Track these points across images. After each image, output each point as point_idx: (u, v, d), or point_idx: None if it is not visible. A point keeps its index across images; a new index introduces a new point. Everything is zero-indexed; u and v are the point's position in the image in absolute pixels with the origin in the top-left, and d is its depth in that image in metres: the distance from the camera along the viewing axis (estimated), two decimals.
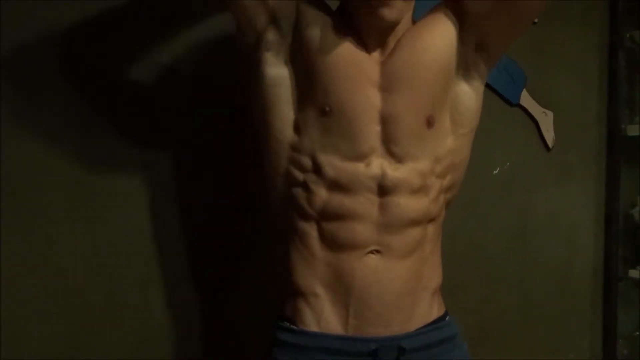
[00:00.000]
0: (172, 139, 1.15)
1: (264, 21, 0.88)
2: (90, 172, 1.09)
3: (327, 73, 0.87)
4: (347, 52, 0.88)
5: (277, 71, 0.89)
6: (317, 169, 0.88)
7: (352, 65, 0.88)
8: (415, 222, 0.89)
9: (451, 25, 0.91)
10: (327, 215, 0.88)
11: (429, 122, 0.90)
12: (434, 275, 0.94)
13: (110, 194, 1.11)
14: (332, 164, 0.87)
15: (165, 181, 1.14)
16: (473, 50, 0.92)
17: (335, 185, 0.87)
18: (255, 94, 0.92)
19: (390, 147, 0.88)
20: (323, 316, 0.88)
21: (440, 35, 0.91)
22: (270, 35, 0.89)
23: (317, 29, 0.88)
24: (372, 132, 0.87)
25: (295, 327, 0.89)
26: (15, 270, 1.04)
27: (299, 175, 0.89)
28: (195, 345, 1.16)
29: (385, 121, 0.88)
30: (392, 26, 0.88)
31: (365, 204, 0.87)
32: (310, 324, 0.88)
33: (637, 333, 1.60)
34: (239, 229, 1.18)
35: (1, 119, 1.03)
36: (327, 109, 0.86)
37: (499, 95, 1.41)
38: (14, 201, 1.04)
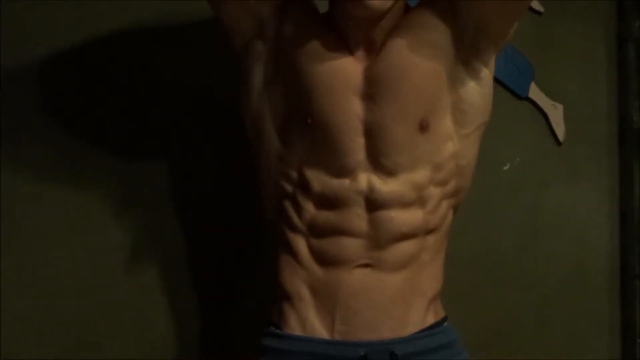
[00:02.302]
0: (167, 148, 1.14)
1: (251, 31, 0.86)
2: (86, 181, 1.09)
3: (308, 83, 0.83)
4: (328, 58, 0.83)
5: (263, 82, 0.87)
6: (304, 184, 0.85)
7: (333, 73, 0.83)
8: (409, 236, 0.85)
9: (444, 15, 0.84)
10: (315, 231, 0.86)
11: (422, 127, 0.83)
12: (432, 282, 0.89)
13: (105, 203, 1.10)
14: (318, 179, 0.84)
15: (160, 189, 1.13)
16: (471, 37, 0.85)
17: (323, 201, 0.84)
18: (245, 104, 0.90)
19: (379, 159, 0.83)
20: (308, 321, 0.85)
21: (431, 29, 0.84)
22: (258, 46, 0.87)
23: (298, 36, 0.84)
24: (356, 145, 0.83)
25: (280, 332, 0.86)
26: (12, 282, 1.04)
27: (288, 187, 0.87)
28: (194, 353, 1.15)
29: (371, 133, 0.83)
30: (378, 17, 0.81)
31: (353, 219, 0.84)
32: (295, 328, 0.85)
33: None
34: (236, 235, 1.16)
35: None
36: (309, 120, 0.83)
37: (507, 88, 1.38)
38: (10, 213, 1.04)
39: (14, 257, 1.04)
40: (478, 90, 0.87)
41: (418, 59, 0.82)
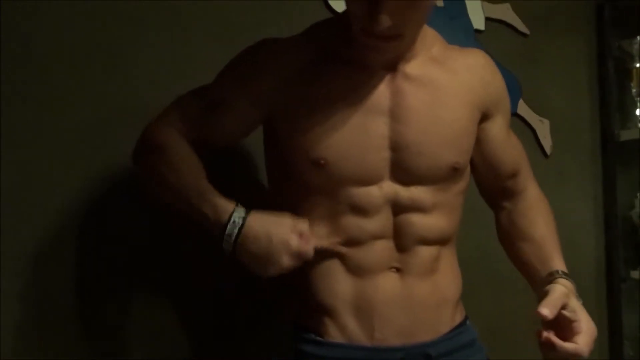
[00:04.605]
0: None
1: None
2: (91, 182, 1.10)
3: (323, 126, 0.85)
4: (344, 96, 0.85)
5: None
6: (333, 195, 0.87)
7: (354, 111, 0.85)
8: (428, 240, 0.90)
9: (472, 86, 0.92)
10: (348, 241, 0.87)
11: (455, 168, 0.89)
12: (455, 287, 0.95)
13: (113, 201, 1.11)
14: (348, 191, 0.86)
15: None
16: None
17: (353, 209, 0.87)
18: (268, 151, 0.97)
19: (402, 170, 0.87)
20: (347, 329, 0.88)
21: (459, 82, 0.91)
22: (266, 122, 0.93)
23: (304, 91, 0.86)
24: (381, 159, 0.87)
25: (320, 339, 0.88)
26: (12, 282, 1.04)
27: (316, 200, 0.88)
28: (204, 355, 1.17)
29: (396, 147, 0.87)
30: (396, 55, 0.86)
31: (383, 224, 0.87)
32: (336, 336, 0.88)
33: None
34: None
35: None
36: (322, 162, 0.85)
37: None
38: (11, 213, 1.05)
39: (15, 256, 1.04)
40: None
41: (449, 101, 0.89)
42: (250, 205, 0.87)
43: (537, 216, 1.01)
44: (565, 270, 0.93)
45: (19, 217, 1.06)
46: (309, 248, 0.84)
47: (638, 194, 1.60)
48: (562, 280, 0.90)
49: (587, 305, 1.55)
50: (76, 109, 1.11)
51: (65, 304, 1.08)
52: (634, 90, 1.59)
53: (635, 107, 1.60)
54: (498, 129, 0.96)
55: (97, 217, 1.11)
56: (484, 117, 0.94)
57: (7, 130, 1.05)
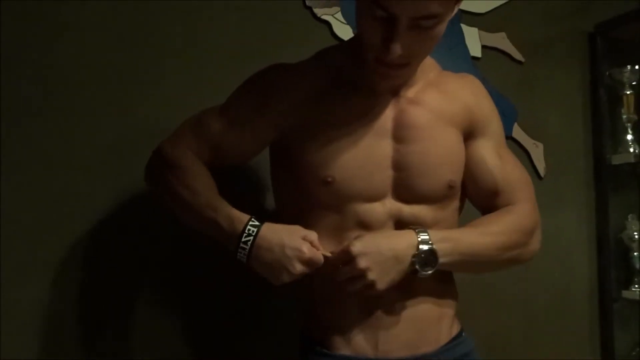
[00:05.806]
0: None
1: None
2: (95, 183, 1.15)
3: (333, 147, 0.89)
4: (352, 118, 0.90)
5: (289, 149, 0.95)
6: (339, 211, 0.91)
7: (361, 132, 0.89)
8: None
9: (463, 109, 0.97)
10: None
11: (450, 186, 0.93)
12: (452, 300, 0.99)
13: (128, 209, 1.16)
14: (353, 206, 0.90)
15: None
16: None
17: (358, 224, 0.90)
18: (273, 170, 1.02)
19: (404, 187, 0.91)
20: (353, 341, 0.91)
21: (452, 106, 0.96)
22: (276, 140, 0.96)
23: (315, 111, 0.90)
24: (385, 178, 0.91)
25: (328, 352, 0.91)
26: (13, 282, 1.08)
27: (323, 215, 0.92)
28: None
29: (399, 166, 0.91)
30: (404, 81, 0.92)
31: None
32: (341, 348, 0.91)
33: (635, 352, 1.64)
34: None
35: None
36: (330, 179, 0.89)
37: None
38: (12, 213, 1.08)
39: (16, 257, 1.08)
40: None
41: (443, 123, 0.94)
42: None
43: (506, 216, 0.98)
44: (447, 235, 0.91)
45: (28, 223, 1.10)
46: (319, 255, 0.87)
47: (629, 216, 1.64)
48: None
49: (579, 324, 1.61)
50: (99, 129, 1.17)
51: (72, 307, 1.12)
52: (624, 117, 1.64)
53: (626, 133, 1.64)
54: (483, 149, 0.99)
55: (105, 224, 1.15)
56: (468, 137, 0.98)
57: (36, 147, 1.11)
